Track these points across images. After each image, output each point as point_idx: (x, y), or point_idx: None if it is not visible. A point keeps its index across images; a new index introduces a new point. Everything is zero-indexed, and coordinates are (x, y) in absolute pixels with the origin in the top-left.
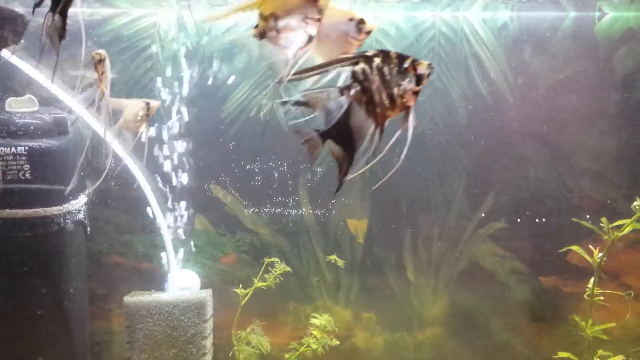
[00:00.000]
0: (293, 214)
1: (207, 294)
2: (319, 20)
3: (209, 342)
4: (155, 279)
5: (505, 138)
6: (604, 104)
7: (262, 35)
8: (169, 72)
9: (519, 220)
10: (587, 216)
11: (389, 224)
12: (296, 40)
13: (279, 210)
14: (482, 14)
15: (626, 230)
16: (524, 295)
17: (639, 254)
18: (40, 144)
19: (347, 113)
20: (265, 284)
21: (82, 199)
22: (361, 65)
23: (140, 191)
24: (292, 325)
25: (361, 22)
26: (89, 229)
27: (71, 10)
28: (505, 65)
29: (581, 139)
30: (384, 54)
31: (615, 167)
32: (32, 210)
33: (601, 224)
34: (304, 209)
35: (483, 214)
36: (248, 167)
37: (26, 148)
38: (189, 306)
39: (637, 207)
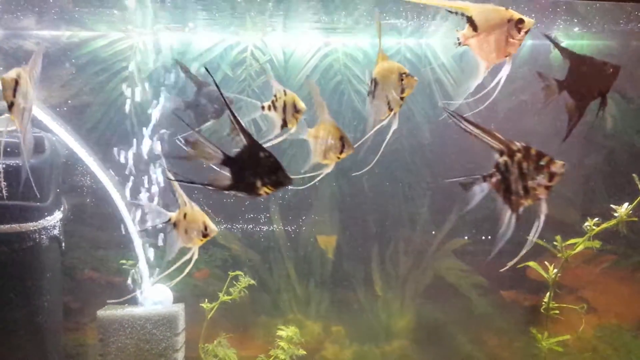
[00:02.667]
0: (265, 230)
1: (179, 308)
2: (520, 41)
3: (180, 355)
4: (128, 294)
5: (467, 158)
6: (560, 126)
7: (463, 42)
8: (144, 92)
9: (481, 236)
10: (544, 232)
11: (358, 240)
12: (497, 53)
13: (251, 226)
14: (445, 41)
15: (578, 249)
16: (485, 309)
17: (595, 269)
18: (17, 162)
19: None
20: (230, 297)
21: (58, 215)
22: (504, 158)
23: (114, 207)
24: (263, 338)
25: (520, 21)
26: (63, 244)
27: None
28: (466, 90)
29: None
30: (526, 150)
31: (570, 187)
32: (8, 226)
33: (555, 243)
34: (275, 225)
35: (447, 230)
36: None
37: (3, 166)
38: (161, 320)
39: (587, 227)
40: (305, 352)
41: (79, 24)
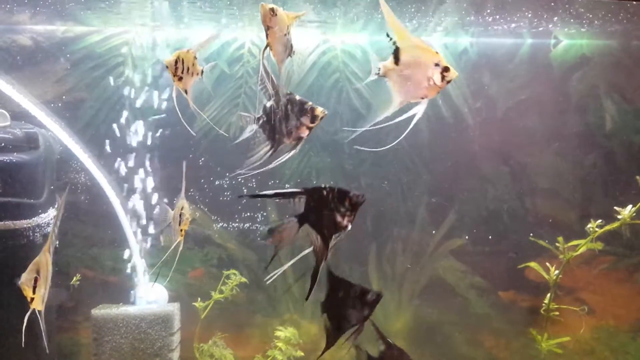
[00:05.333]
0: (261, 229)
1: (174, 307)
2: (440, 88)
3: (175, 355)
4: (123, 292)
5: (466, 158)
6: (559, 126)
7: (383, 74)
8: (139, 88)
9: (479, 236)
10: (543, 233)
11: (355, 239)
12: (413, 93)
13: (248, 225)
14: (443, 40)
15: (580, 251)
16: (483, 309)
17: (593, 270)
18: (11, 158)
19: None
20: (222, 295)
21: (52, 212)
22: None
23: (109, 205)
24: (259, 338)
25: (446, 69)
26: (57, 242)
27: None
28: (465, 89)
29: (538, 159)
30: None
31: (569, 187)
32: (2, 223)
33: (557, 244)
34: (272, 224)
35: (445, 231)
36: (217, 182)
37: None
38: (156, 319)
39: (590, 229)
40: (302, 354)
41: (74, 19)
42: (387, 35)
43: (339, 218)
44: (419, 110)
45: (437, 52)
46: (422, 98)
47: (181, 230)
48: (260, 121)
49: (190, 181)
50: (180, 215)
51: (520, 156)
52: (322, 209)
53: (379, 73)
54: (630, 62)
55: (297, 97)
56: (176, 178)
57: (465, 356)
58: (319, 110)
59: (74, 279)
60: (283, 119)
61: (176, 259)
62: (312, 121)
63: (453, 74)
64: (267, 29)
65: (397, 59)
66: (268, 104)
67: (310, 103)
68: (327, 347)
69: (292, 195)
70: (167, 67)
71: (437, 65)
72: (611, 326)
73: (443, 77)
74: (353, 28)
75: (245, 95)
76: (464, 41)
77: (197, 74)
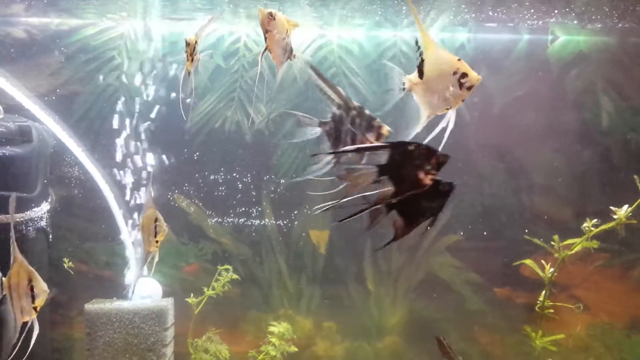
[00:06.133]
0: (256, 224)
1: (168, 303)
2: (462, 96)
3: (169, 350)
4: (116, 287)
5: (462, 154)
6: (556, 123)
7: (408, 88)
8: (134, 82)
9: (475, 233)
10: (538, 229)
11: (350, 235)
12: (437, 105)
13: (243, 220)
14: (440, 35)
15: (575, 249)
16: (478, 306)
17: (588, 267)
18: (4, 151)
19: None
20: (214, 292)
21: (45, 206)
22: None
23: (103, 200)
24: (253, 333)
25: (463, 76)
26: (51, 236)
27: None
28: None
29: (534, 156)
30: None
31: (565, 183)
32: None
33: (552, 242)
34: (267, 220)
35: (440, 227)
36: (212, 177)
37: None
38: (150, 314)
39: (586, 228)
40: (296, 349)
41: (69, 12)
42: (416, 44)
43: (421, 175)
44: (448, 122)
45: (458, 60)
46: (447, 109)
47: (157, 241)
48: (327, 127)
49: (185, 175)
50: (155, 227)
51: (516, 152)
52: (406, 163)
53: (404, 88)
54: (628, 59)
55: (367, 112)
56: (171, 172)
57: (460, 352)
58: (385, 130)
59: (66, 263)
60: (349, 132)
61: (151, 272)
62: (377, 138)
63: (472, 78)
64: (266, 32)
65: (421, 73)
66: (337, 112)
67: (378, 120)
68: (395, 239)
69: (376, 148)
70: (188, 44)
71: (455, 73)
72: (606, 323)
73: (461, 85)
74: (350, 23)
75: (241, 89)
76: (461, 36)
77: (198, 59)
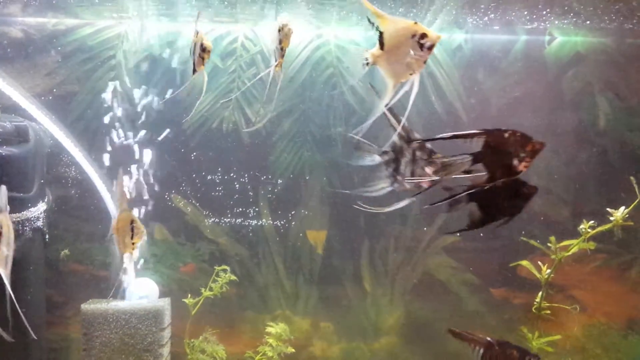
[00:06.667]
0: (253, 224)
1: (165, 303)
2: (423, 58)
3: (166, 350)
4: (113, 287)
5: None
6: (553, 123)
7: (371, 62)
8: (131, 82)
9: (471, 233)
10: (535, 230)
11: (347, 235)
12: (401, 72)
13: (240, 220)
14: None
15: (572, 251)
16: (475, 306)
17: (585, 268)
18: (0, 151)
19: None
20: (211, 293)
21: (41, 206)
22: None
23: (100, 200)
24: (250, 334)
25: (423, 36)
26: (47, 236)
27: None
28: (459, 85)
29: None
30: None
31: (562, 184)
32: None
33: (549, 244)
34: (264, 220)
35: (437, 227)
36: (209, 177)
37: None
38: (147, 314)
39: (583, 230)
40: (293, 350)
41: (65, 11)
42: (369, 21)
43: (515, 162)
44: (412, 87)
45: (415, 23)
46: (411, 74)
47: (133, 243)
48: (387, 157)
49: (182, 175)
50: (132, 229)
51: None
52: (501, 150)
53: (368, 63)
54: (624, 60)
55: (428, 146)
56: (169, 171)
57: (456, 352)
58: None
59: (62, 253)
60: (409, 164)
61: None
62: (436, 173)
63: (432, 37)
64: (282, 49)
65: (382, 44)
66: (398, 143)
67: (438, 154)
68: (467, 229)
69: (471, 136)
70: (206, 50)
71: (413, 36)
72: (603, 324)
73: (422, 46)
74: (347, 23)
75: (238, 90)
76: (458, 37)
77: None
